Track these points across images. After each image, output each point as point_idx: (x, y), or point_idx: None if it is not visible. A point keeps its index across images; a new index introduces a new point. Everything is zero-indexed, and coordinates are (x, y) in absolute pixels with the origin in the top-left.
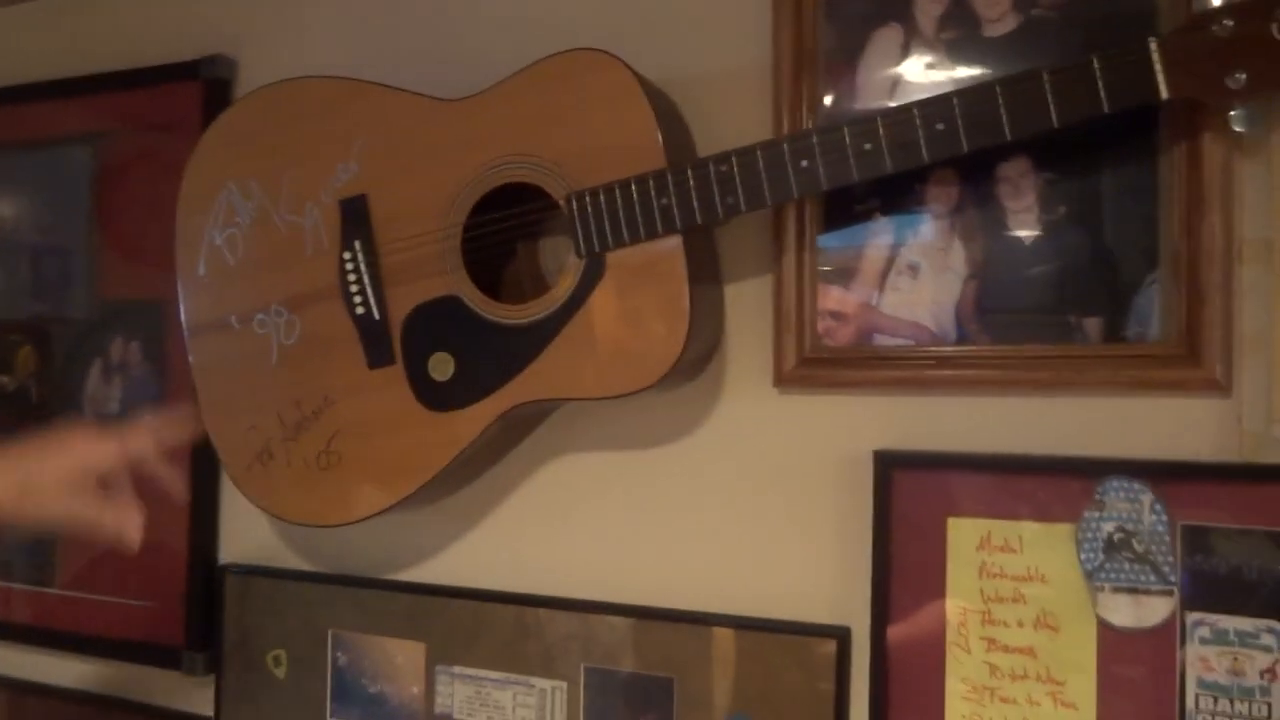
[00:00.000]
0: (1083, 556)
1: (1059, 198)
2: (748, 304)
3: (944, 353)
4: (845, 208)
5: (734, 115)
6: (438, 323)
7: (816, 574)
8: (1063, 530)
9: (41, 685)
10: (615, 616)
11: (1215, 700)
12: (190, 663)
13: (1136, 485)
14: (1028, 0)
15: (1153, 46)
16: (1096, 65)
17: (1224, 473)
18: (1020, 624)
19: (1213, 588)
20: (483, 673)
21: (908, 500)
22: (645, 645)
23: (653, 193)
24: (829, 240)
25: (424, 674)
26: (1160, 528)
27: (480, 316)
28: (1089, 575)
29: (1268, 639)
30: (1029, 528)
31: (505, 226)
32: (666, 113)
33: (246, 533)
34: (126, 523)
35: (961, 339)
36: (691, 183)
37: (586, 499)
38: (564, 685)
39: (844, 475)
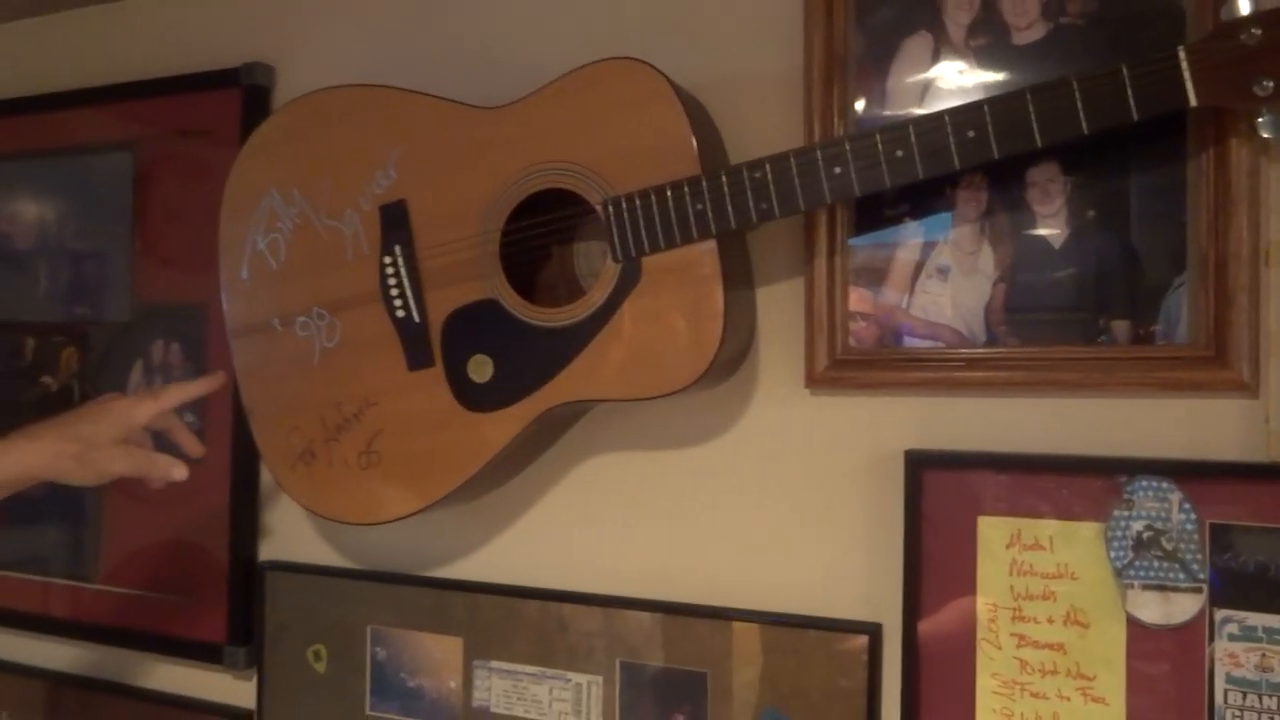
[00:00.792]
0: (1112, 554)
1: (1087, 201)
2: (780, 306)
3: (973, 354)
4: (876, 211)
5: (766, 121)
6: (476, 325)
7: (848, 571)
8: (1092, 529)
9: (81, 677)
10: (649, 612)
11: (1244, 695)
12: (232, 658)
13: (1165, 484)
14: (1056, 8)
15: (1181, 55)
16: (1126, 73)
17: (1251, 472)
18: (1050, 620)
19: (1240, 585)
20: (519, 667)
21: (938, 499)
22: (678, 640)
23: (688, 198)
24: (860, 243)
25: (462, 668)
26: (1189, 526)
27: (518, 319)
28: (1118, 573)
29: None
30: (1058, 526)
31: (542, 231)
32: (700, 119)
33: (286, 531)
34: (173, 463)
35: (991, 341)
36: (726, 189)
37: (621, 497)
38: (599, 679)
39: (875, 474)
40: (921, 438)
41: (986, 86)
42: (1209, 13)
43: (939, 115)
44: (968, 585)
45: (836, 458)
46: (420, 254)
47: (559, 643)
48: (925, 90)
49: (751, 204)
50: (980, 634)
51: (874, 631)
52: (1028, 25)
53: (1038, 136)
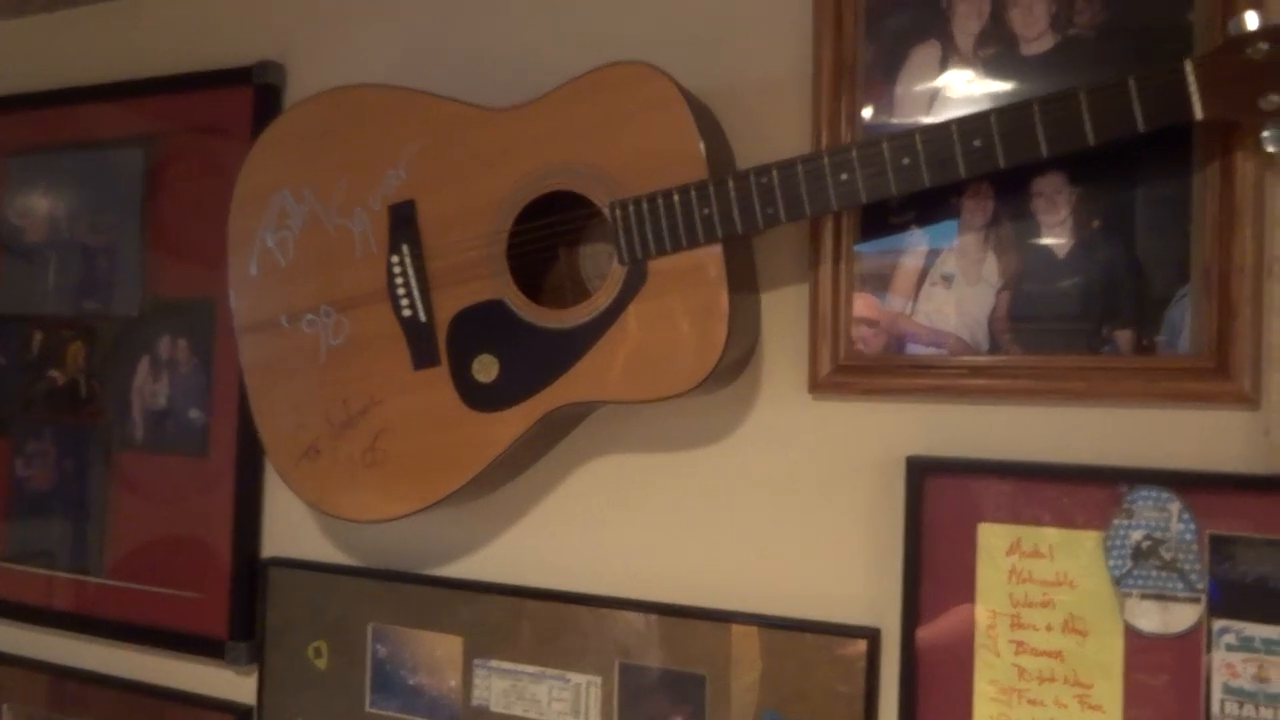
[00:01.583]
0: (1111, 563)
1: (1092, 211)
2: (784, 311)
3: (976, 362)
4: (881, 218)
5: (774, 126)
6: (482, 326)
7: (848, 576)
8: (1092, 537)
9: (83, 671)
10: (649, 614)
11: (1240, 705)
12: (234, 653)
13: (1165, 494)
14: (1065, 20)
15: (1188, 68)
16: (1133, 85)
17: (1251, 484)
18: (1049, 628)
19: (1239, 596)
20: (519, 667)
21: (939, 505)
22: (678, 642)
23: (695, 202)
24: (865, 250)
25: (462, 667)
26: (1188, 536)
27: (524, 320)
28: (1117, 581)
29: None
30: (1058, 534)
31: (549, 233)
32: (708, 124)
33: (289, 527)
34: None
35: (994, 349)
36: (733, 193)
37: (623, 499)
38: (598, 680)
39: (876, 480)
40: (924, 444)
41: (994, 96)
42: (1217, 27)
43: (946, 124)
44: (967, 592)
45: (839, 463)
46: (428, 254)
47: (559, 643)
48: (933, 99)
49: (758, 209)
50: (979, 640)
51: (873, 636)
52: (1036, 36)
53: (1044, 147)
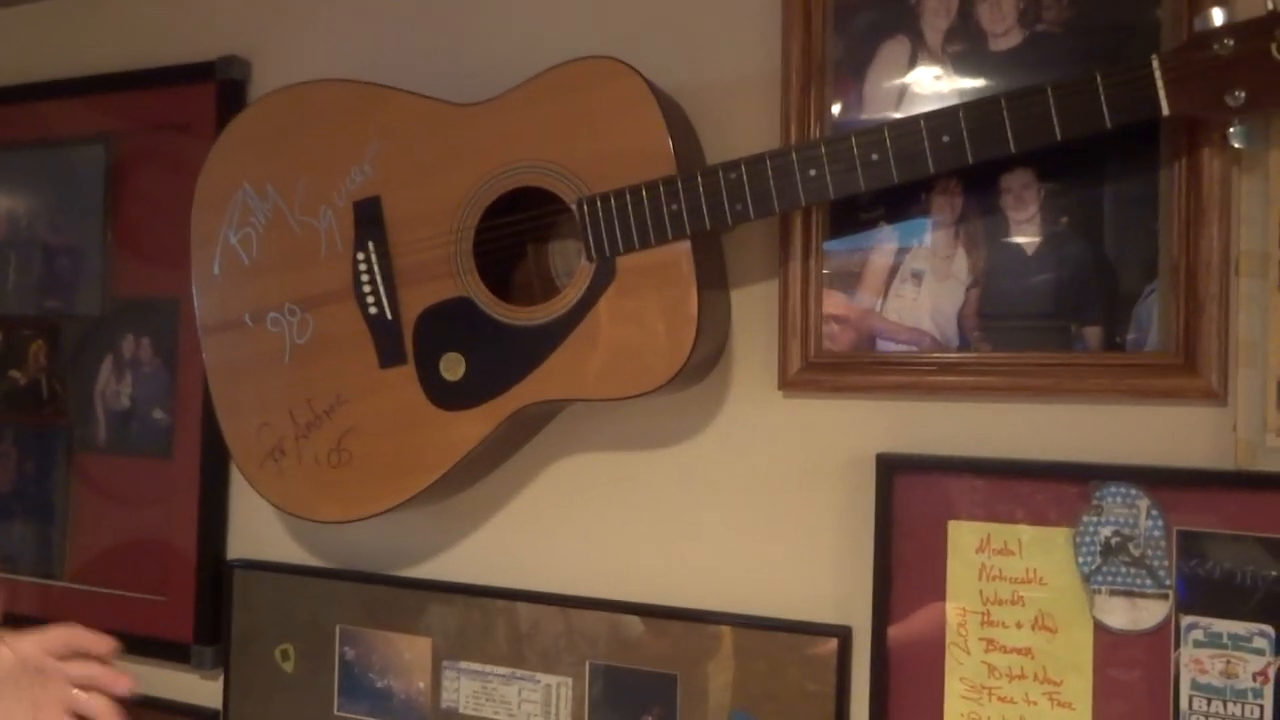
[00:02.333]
0: (1080, 560)
1: (1061, 208)
2: (754, 308)
3: (946, 359)
4: (851, 215)
5: (743, 123)
6: (449, 323)
7: (818, 574)
8: (1061, 534)
9: None
10: (619, 614)
11: (1209, 702)
12: (199, 657)
13: (1133, 491)
14: (1033, 16)
15: (1155, 64)
16: (1100, 81)
17: (1219, 480)
18: (1019, 625)
19: (1207, 592)
20: (488, 668)
21: (909, 503)
22: (649, 642)
23: (663, 198)
24: (835, 247)
25: (430, 669)
26: (1156, 533)
27: (491, 318)
28: (1086, 578)
29: (1260, 642)
30: (1028, 531)
31: (517, 230)
32: (677, 120)
33: (255, 529)
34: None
35: (963, 345)
36: (701, 189)
37: (593, 498)
38: (569, 681)
39: (846, 478)
40: (894, 441)
41: (962, 92)
42: (1183, 24)
43: (914, 120)
44: (938, 589)
45: (809, 460)
46: (394, 251)
47: (528, 644)
48: (902, 95)
49: (727, 205)
50: (949, 638)
51: (844, 635)
52: (1004, 32)
53: (1011, 142)
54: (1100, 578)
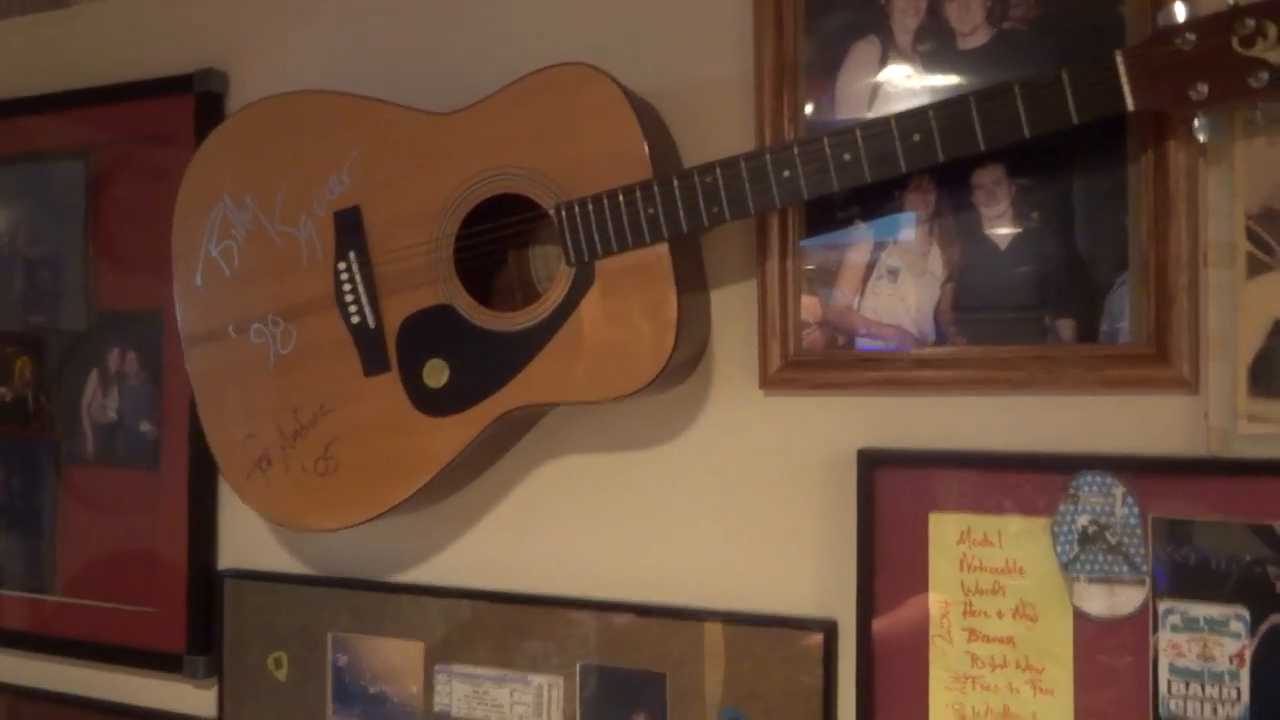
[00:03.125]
0: (1058, 549)
1: (1032, 204)
2: (733, 308)
3: (923, 354)
4: (827, 214)
5: (717, 125)
6: (432, 331)
7: (803, 569)
8: (1039, 524)
9: (41, 691)
10: (608, 613)
11: (1187, 685)
12: (191, 667)
13: (1109, 480)
14: (1000, 14)
15: (1119, 60)
16: (1065, 78)
17: (1192, 467)
18: (1000, 614)
19: (1183, 577)
20: (480, 670)
21: (890, 497)
22: (638, 641)
23: (640, 203)
24: (811, 245)
25: (422, 673)
26: (1132, 520)
27: (473, 324)
28: (1065, 567)
29: (1236, 625)
30: (1007, 522)
31: (496, 236)
32: (652, 123)
33: (244, 538)
34: None
35: (940, 340)
36: (677, 193)
37: (579, 500)
38: (560, 681)
39: (828, 474)
40: (874, 436)
41: (934, 90)
42: (1147, 19)
43: (885, 120)
44: (920, 581)
45: (791, 457)
46: (375, 259)
47: (519, 646)
48: (873, 94)
49: (703, 207)
50: (933, 629)
51: (830, 629)
52: (971, 30)
53: (981, 140)
54: (1078, 566)
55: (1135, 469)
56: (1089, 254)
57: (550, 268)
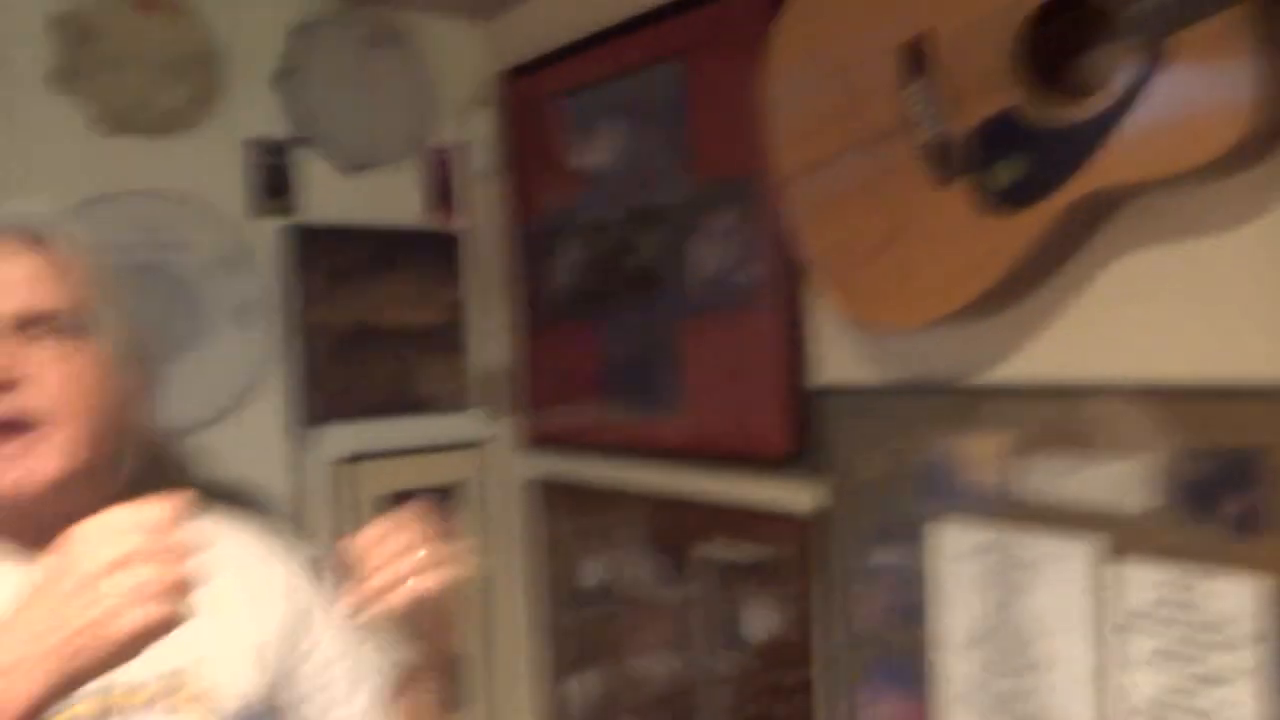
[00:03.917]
0: None
1: None
2: None
3: None
4: None
5: None
6: (999, 134)
7: None
8: None
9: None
10: (1186, 401)
11: None
12: (792, 470)
13: None
14: None
15: None
16: None
17: None
18: None
19: None
20: (1055, 464)
21: None
22: (1226, 423)
23: None
24: None
25: (1002, 467)
26: None
27: (1038, 121)
28: None
29: None
30: None
31: (1061, 30)
32: None
33: (834, 358)
34: None
35: None
36: None
37: (1154, 289)
38: (1137, 469)
39: None
40: None
41: None
42: None
43: None
44: None
45: None
46: (942, 75)
47: (1096, 435)
48: None
49: None
50: None
51: None
52: None
53: None
54: None
55: None
56: None
57: (1116, 56)
